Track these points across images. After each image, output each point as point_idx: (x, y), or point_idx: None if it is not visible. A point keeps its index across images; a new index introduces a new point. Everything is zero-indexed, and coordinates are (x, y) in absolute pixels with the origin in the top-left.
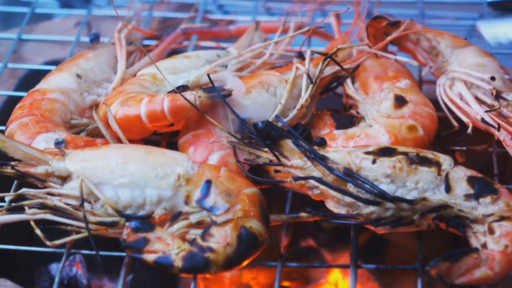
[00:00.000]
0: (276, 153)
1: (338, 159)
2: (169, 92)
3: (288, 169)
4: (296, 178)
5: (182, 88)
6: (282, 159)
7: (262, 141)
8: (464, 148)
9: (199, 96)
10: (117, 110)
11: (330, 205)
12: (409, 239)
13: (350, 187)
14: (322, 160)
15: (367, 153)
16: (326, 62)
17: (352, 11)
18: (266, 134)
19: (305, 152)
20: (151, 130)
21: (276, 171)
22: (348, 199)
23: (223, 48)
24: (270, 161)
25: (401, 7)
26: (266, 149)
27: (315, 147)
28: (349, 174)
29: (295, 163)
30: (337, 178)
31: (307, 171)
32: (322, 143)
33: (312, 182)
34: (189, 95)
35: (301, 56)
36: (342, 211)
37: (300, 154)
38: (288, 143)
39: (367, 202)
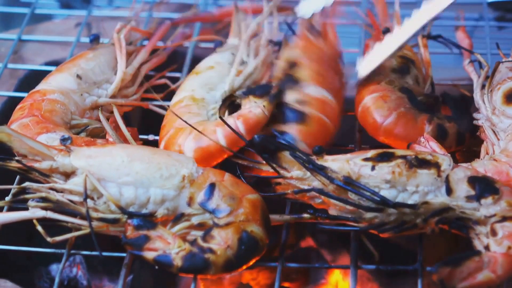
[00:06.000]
0: (274, 165)
1: (337, 168)
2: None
3: (288, 181)
4: (297, 191)
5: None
6: (281, 171)
7: (260, 155)
8: (464, 149)
9: (264, 106)
10: (192, 145)
11: (333, 213)
12: (409, 240)
13: (351, 195)
14: (321, 170)
15: (366, 159)
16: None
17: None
18: (264, 147)
19: (303, 163)
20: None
21: (277, 183)
22: (350, 207)
23: (221, 43)
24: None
25: (401, 7)
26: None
27: (313, 157)
28: (349, 183)
29: (294, 174)
30: (337, 187)
31: (308, 181)
32: (320, 151)
33: (313, 192)
34: (255, 108)
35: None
36: None
37: (299, 165)
38: (286, 155)
39: (369, 210)
